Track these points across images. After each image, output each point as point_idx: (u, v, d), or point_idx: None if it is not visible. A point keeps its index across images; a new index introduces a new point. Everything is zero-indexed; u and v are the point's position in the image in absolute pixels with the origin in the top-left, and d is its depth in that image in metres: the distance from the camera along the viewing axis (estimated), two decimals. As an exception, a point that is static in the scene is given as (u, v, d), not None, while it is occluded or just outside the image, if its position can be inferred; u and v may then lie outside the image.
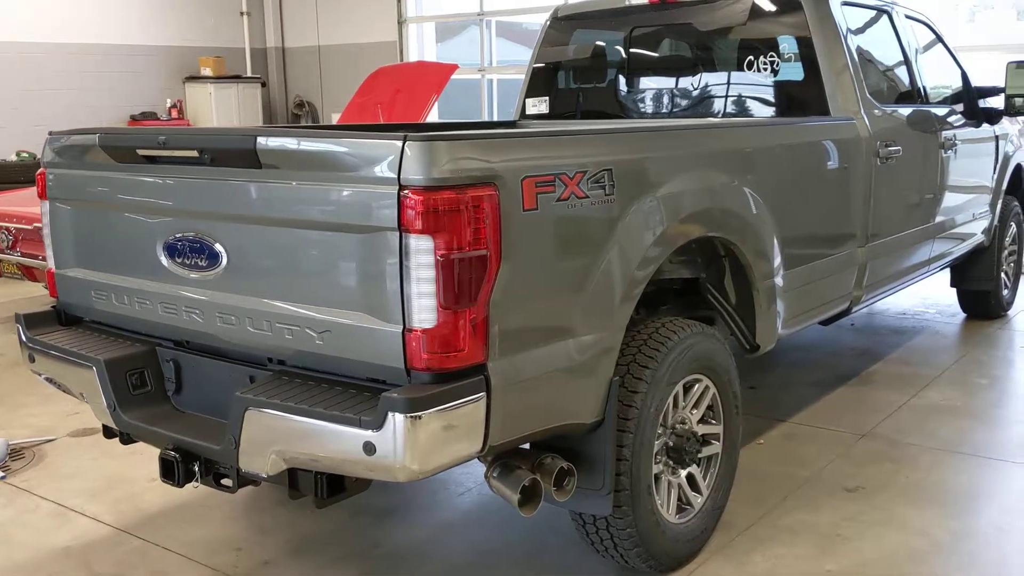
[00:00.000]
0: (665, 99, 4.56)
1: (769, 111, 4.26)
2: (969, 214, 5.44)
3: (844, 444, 4.17)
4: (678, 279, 3.48)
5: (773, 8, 4.22)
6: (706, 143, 3.12)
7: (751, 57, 4.24)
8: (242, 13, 12.79)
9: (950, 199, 5.08)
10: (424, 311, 2.21)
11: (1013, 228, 6.33)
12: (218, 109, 12.05)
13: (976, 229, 5.63)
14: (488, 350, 2.30)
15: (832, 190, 3.89)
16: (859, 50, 4.31)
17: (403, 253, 2.20)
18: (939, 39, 5.44)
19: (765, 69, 4.20)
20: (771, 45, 4.20)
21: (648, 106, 4.63)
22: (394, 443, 2.17)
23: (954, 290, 6.32)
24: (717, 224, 3.11)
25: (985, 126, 5.56)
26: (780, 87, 4.21)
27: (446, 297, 2.20)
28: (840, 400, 4.77)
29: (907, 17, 5.01)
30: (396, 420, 2.16)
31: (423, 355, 2.23)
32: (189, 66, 12.28)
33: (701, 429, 3.17)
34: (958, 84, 5.50)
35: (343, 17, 12.32)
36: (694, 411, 3.13)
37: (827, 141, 3.84)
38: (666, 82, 4.60)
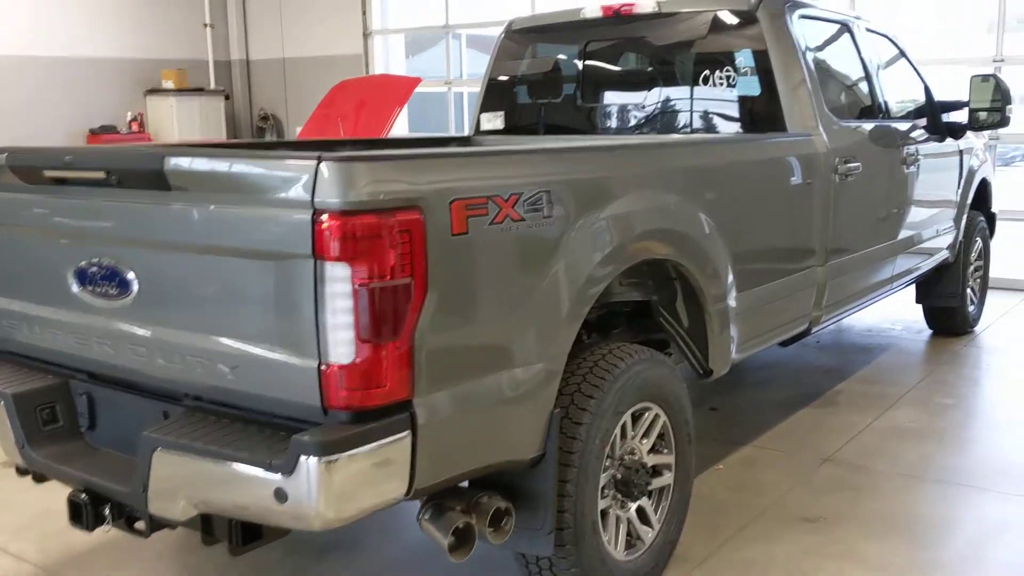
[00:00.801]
0: (621, 114, 4.44)
1: (726, 127, 4.14)
2: (933, 230, 5.35)
3: (805, 469, 4.04)
4: (629, 302, 3.35)
5: (730, 22, 4.10)
6: (653, 161, 2.99)
7: (707, 72, 4.12)
8: (205, 25, 12.57)
9: (913, 215, 4.99)
10: (341, 344, 2.06)
11: (979, 243, 6.26)
12: (180, 122, 11.82)
13: (941, 245, 5.55)
14: (414, 385, 2.14)
15: (789, 208, 3.78)
16: (818, 65, 4.21)
17: (318, 282, 2.05)
18: (902, 53, 5.36)
19: (722, 84, 4.09)
20: (728, 60, 4.08)
21: (604, 122, 4.50)
22: (307, 489, 2.01)
23: (920, 307, 6.24)
24: (665, 246, 2.97)
25: (949, 141, 5.48)
26: (736, 102, 4.09)
27: (365, 329, 2.04)
28: (803, 422, 4.65)
29: (869, 31, 4.92)
30: (308, 464, 2.00)
31: (340, 392, 2.07)
32: (151, 79, 12.05)
33: (651, 460, 3.02)
34: (921, 99, 5.42)
35: (308, 29, 12.15)
36: (644, 441, 2.99)
37: (783, 158, 3.72)
38: (622, 97, 4.48)
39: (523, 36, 4.70)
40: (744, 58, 4.04)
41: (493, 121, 4.76)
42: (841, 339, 6.28)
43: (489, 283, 2.31)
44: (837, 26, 4.61)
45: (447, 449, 2.26)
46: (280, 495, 2.04)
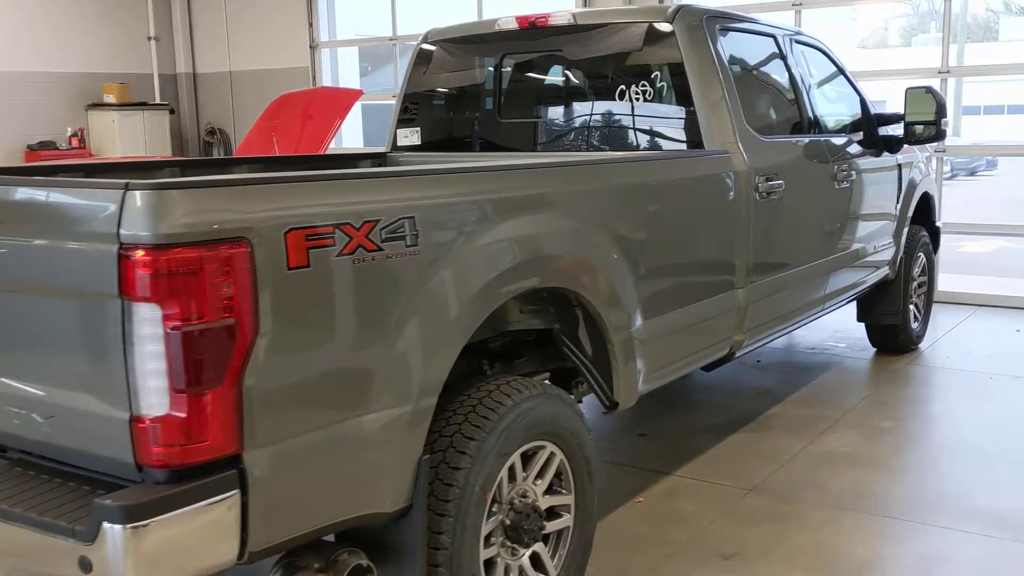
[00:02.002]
0: (538, 130, 4.25)
1: (642, 143, 3.96)
2: (871, 246, 5.20)
3: (729, 500, 3.85)
4: (533, 330, 3.16)
5: (646, 35, 3.93)
6: (545, 183, 2.79)
7: (624, 86, 3.94)
8: (150, 38, 12.29)
9: (847, 232, 4.84)
10: (153, 395, 1.84)
11: (922, 258, 6.12)
12: (122, 138, 11.51)
13: (880, 262, 5.40)
14: (243, 438, 1.92)
15: (704, 229, 3.59)
16: (740, 79, 4.04)
17: (126, 324, 1.83)
18: (836, 65, 5.21)
19: (638, 99, 3.91)
20: (644, 74, 3.91)
21: (521, 137, 4.30)
22: (112, 559, 1.78)
23: (863, 324, 6.09)
24: (556, 273, 2.77)
25: (886, 155, 5.34)
26: (653, 118, 3.92)
27: (179, 377, 1.82)
28: (733, 448, 4.46)
29: (798, 43, 4.77)
30: (112, 532, 1.77)
31: (155, 448, 1.85)
32: (93, 93, 11.74)
33: (547, 501, 2.82)
34: (857, 112, 5.28)
35: (255, 42, 11.90)
36: (538, 482, 2.78)
37: (696, 176, 3.54)
38: (540, 112, 4.28)
39: (439, 48, 4.50)
40: (661, 72, 3.87)
41: (410, 137, 4.55)
42: (782, 358, 6.12)
43: (337, 321, 2.10)
44: (763, 38, 4.45)
45: (288, 506, 2.04)
46: (84, 564, 1.81)
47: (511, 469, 2.66)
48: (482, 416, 2.54)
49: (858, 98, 5.29)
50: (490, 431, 2.53)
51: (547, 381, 3.40)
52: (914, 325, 6.09)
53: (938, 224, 6.47)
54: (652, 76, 3.87)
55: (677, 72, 3.80)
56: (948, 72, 7.44)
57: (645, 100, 3.89)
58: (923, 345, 6.28)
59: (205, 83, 12.65)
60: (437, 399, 2.37)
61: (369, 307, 2.16)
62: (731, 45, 4.12)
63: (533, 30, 4.15)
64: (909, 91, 5.12)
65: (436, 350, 2.33)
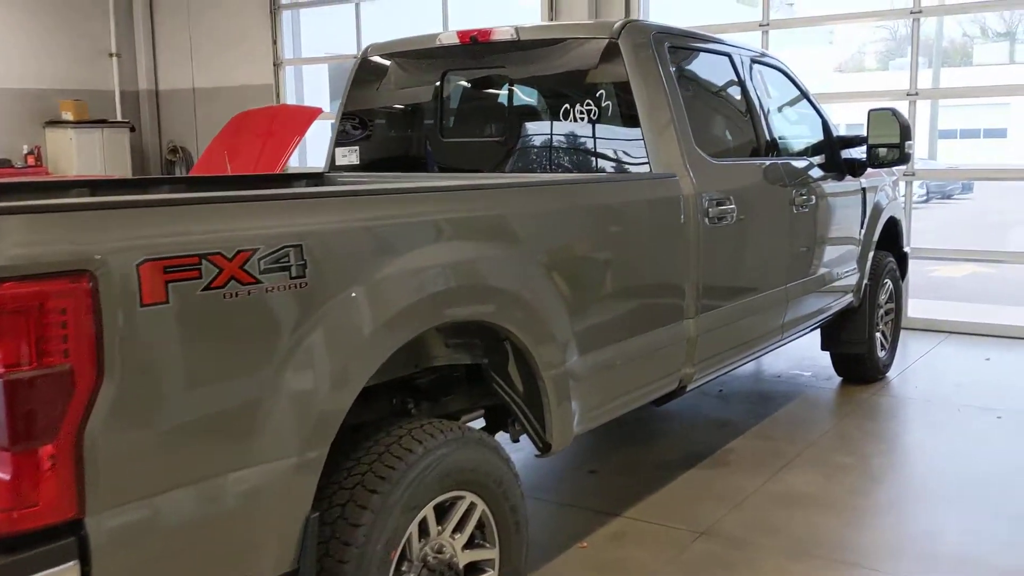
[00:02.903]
0: (479, 150, 4.03)
1: (586, 165, 3.75)
2: (833, 273, 5.01)
3: (678, 545, 3.62)
4: (460, 365, 2.93)
5: (591, 51, 3.72)
6: (461, 207, 2.56)
7: (568, 105, 3.73)
8: (111, 54, 12.03)
9: (806, 259, 4.64)
10: (-28, 453, 1.59)
11: (889, 285, 5.94)
12: (80, 156, 11.23)
13: (843, 289, 5.21)
14: (85, 501, 1.67)
15: (648, 256, 3.38)
16: (691, 98, 3.85)
17: (-60, 372, 1.58)
18: (797, 87, 5.04)
19: (583, 119, 3.70)
20: (589, 92, 3.70)
21: (460, 158, 4.08)
22: (-87, 646, 1.52)
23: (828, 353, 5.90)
24: (476, 305, 2.54)
25: (849, 179, 5.16)
26: (598, 139, 3.70)
27: (4, 433, 1.58)
28: (687, 486, 4.23)
29: (756, 62, 4.59)
30: (-87, 614, 1.52)
31: (-26, 515, 1.59)
32: (51, 110, 11.46)
33: (467, 557, 2.58)
34: (819, 135, 5.10)
35: (218, 59, 11.67)
36: (456, 536, 2.54)
37: (639, 201, 3.33)
38: (479, 132, 4.07)
39: (379, 64, 4.28)
40: (606, 91, 3.66)
41: (348, 156, 4.32)
42: (746, 386, 5.90)
43: (203, 364, 1.85)
44: (718, 57, 4.26)
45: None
46: None
47: (423, 523, 2.42)
48: (387, 466, 2.30)
49: (820, 120, 5.12)
50: (396, 482, 2.29)
51: (482, 419, 3.19)
52: (881, 354, 5.90)
53: (906, 249, 6.29)
54: (597, 95, 3.66)
55: (623, 91, 3.60)
56: (916, 94, 7.30)
57: (590, 120, 3.68)
58: (891, 374, 6.09)
59: (168, 100, 12.39)
60: (328, 449, 2.12)
61: (243, 348, 1.92)
62: (683, 64, 3.93)
63: (475, 46, 3.94)
64: (872, 113, 4.95)
65: (327, 395, 2.09)
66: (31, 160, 11.16)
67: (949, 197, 27.54)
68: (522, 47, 3.87)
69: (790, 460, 4.52)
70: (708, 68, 4.17)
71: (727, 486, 4.21)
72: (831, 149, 5.07)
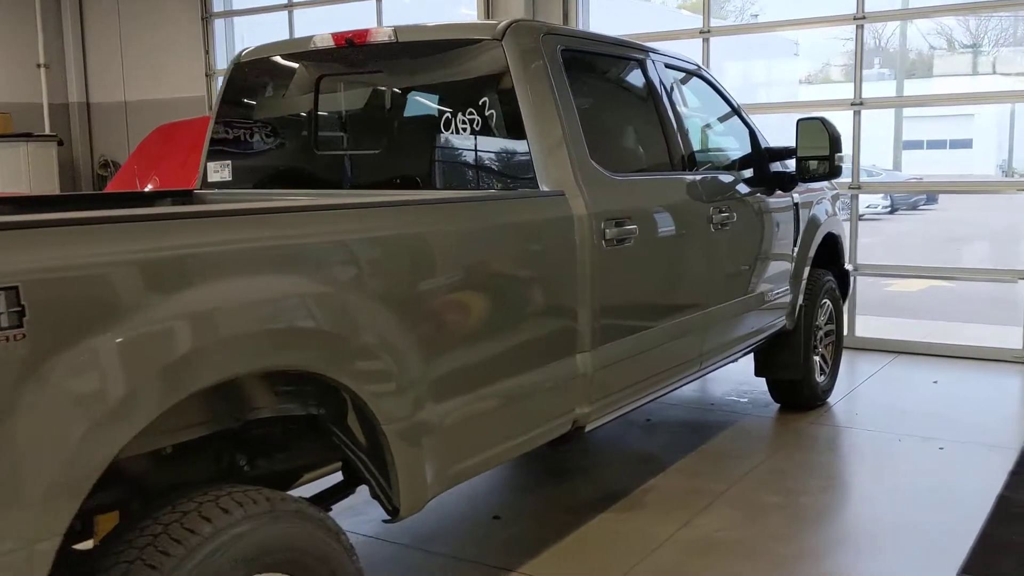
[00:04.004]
0: (351, 165, 3.64)
1: (466, 182, 3.36)
2: (761, 295, 4.66)
3: (576, 606, 3.23)
4: (296, 416, 2.52)
5: (474, 55, 3.35)
6: (269, 233, 2.15)
7: (449, 115, 3.35)
8: (39, 65, 11.54)
9: (728, 281, 4.28)
10: None
11: (828, 305, 5.60)
12: (2, 170, 10.72)
13: (774, 311, 4.86)
14: None
15: (529, 286, 2.99)
16: (589, 107, 3.48)
17: None
18: (722, 96, 4.69)
19: (465, 130, 3.31)
20: (472, 100, 3.32)
21: (332, 173, 3.69)
22: None
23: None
24: (285, 352, 2.14)
25: (779, 193, 4.81)
26: (480, 153, 3.33)
27: None
28: (597, 533, 3.84)
29: (673, 69, 4.23)
30: None
31: None
32: (-26, 123, 10.95)
33: (285, 649, 2.16)
34: (746, 147, 4.75)
35: (150, 70, 11.22)
36: (269, 626, 2.13)
37: (518, 223, 2.94)
38: (354, 144, 3.68)
39: (252, 71, 3.88)
40: (489, 98, 3.28)
41: (220, 172, 3.91)
42: (675, 415, 5.53)
43: None
44: (625, 62, 3.89)
45: None
46: None
47: (216, 615, 2.00)
48: (161, 552, 1.89)
49: (748, 132, 4.77)
50: (172, 570, 1.88)
51: (340, 474, 2.79)
52: (820, 378, 5.55)
53: (848, 267, 5.96)
54: (481, 103, 3.28)
55: (508, 98, 3.22)
56: (861, 104, 6.99)
57: (473, 131, 3.30)
58: (833, 399, 5.75)
59: (99, 113, 11.91)
60: (61, 539, 1.71)
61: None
62: (581, 69, 3.56)
63: (351, 48, 3.55)
64: (801, 123, 4.61)
65: (56, 473, 1.68)
66: (-50, 175, 10.63)
67: (915, 208, 27.46)
68: (401, 50, 3.49)
69: (713, 500, 4.15)
70: (613, 74, 3.81)
71: (640, 533, 3.82)
72: (760, 162, 4.72)
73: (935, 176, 28.43)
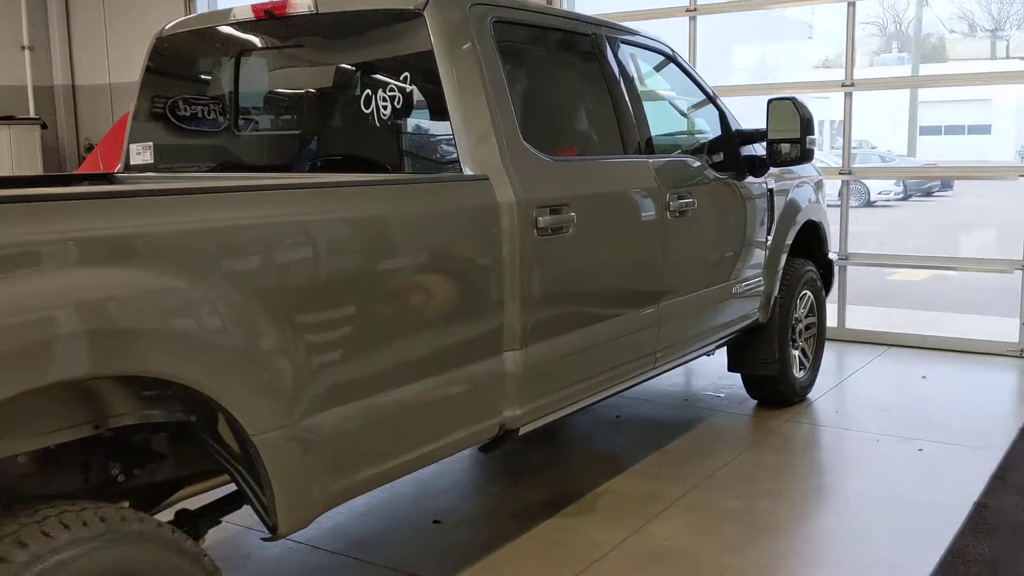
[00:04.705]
0: (269, 146, 3.39)
1: (387, 164, 3.11)
2: (727, 287, 4.39)
3: (502, 623, 2.99)
4: (170, 423, 2.29)
5: (395, 26, 3.09)
6: (101, 222, 1.90)
7: (369, 92, 3.09)
8: (23, 47, 11.34)
9: (686, 272, 4.02)
10: None
11: (809, 296, 5.32)
12: (-18, 154, 10.56)
13: (743, 304, 4.59)
14: None
15: (442, 279, 2.74)
16: (526, 85, 3.22)
17: None
18: (688, 74, 4.41)
19: (385, 108, 3.06)
20: (394, 75, 3.06)
21: (252, 154, 3.45)
22: None
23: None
24: (123, 356, 1.89)
25: (751, 179, 4.53)
26: (403, 134, 3.07)
27: None
28: (540, 540, 3.60)
29: (630, 45, 3.95)
30: None
31: None
32: (-44, 106, 10.79)
33: None
34: (714, 129, 4.47)
35: (136, 52, 10.94)
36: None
37: (428, 211, 2.69)
38: (274, 124, 3.43)
39: (174, 45, 3.64)
40: (411, 73, 3.02)
41: (143, 154, 3.68)
42: (646, 411, 5.28)
43: None
44: (572, 36, 3.62)
45: None
46: None
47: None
48: (-41, 584, 1.66)
49: (717, 114, 4.49)
50: (-28, 606, 1.65)
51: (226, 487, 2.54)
52: (799, 374, 5.28)
53: (831, 256, 5.67)
54: (402, 78, 3.03)
55: (430, 74, 2.96)
56: (852, 85, 6.68)
57: (395, 110, 3.04)
58: (814, 394, 5.47)
59: (84, 95, 11.71)
60: None
61: None
62: (518, 43, 3.30)
63: (271, 20, 3.30)
64: (771, 103, 4.32)
65: None
66: (-70, 159, 10.47)
67: (929, 194, 26.93)
68: (322, 22, 3.23)
69: (668, 505, 3.90)
70: (556, 50, 3.55)
71: (586, 540, 3.58)
72: (729, 146, 4.44)
73: (947, 162, 27.80)
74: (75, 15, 11.58)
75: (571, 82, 3.66)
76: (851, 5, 6.61)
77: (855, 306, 7.51)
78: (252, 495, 2.28)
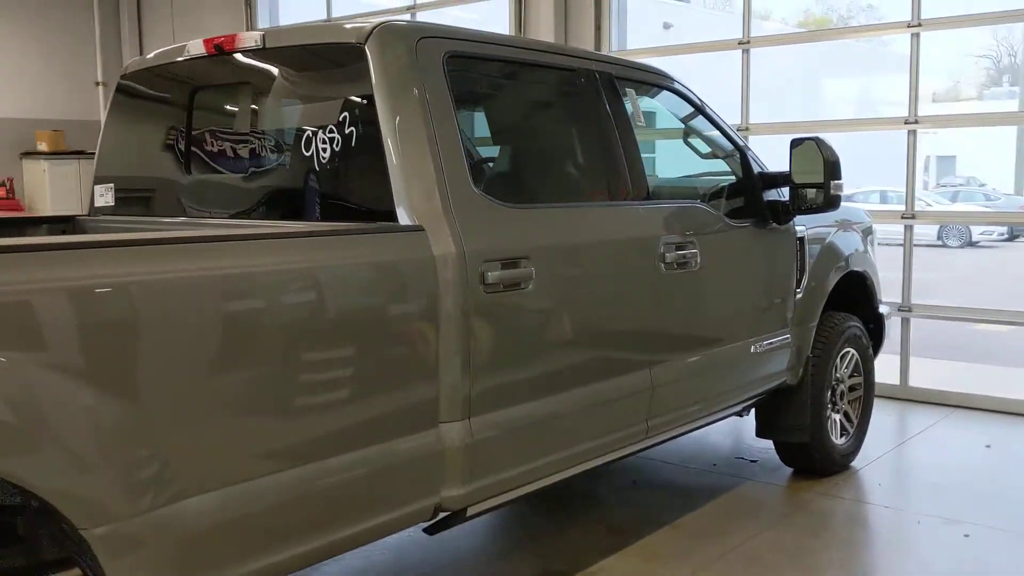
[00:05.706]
0: (218, 191, 3.16)
1: (323, 210, 2.83)
2: (744, 346, 3.96)
3: None
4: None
5: (338, 62, 2.83)
6: None
7: (310, 133, 2.83)
8: (97, 83, 11.63)
9: (686, 332, 3.62)
10: None
11: (852, 354, 4.81)
12: (53, 188, 10.79)
13: (764, 366, 4.14)
14: None
15: (361, 341, 2.43)
16: (490, 125, 2.91)
17: None
18: (701, 111, 4.02)
19: (324, 150, 2.79)
20: (333, 115, 2.79)
21: (204, 200, 3.22)
22: None
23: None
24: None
25: (774, 226, 4.11)
26: (340, 179, 2.80)
27: None
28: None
29: (622, 79, 3.58)
30: None
31: None
32: (30, 140, 11.09)
33: None
34: (735, 172, 4.07)
35: (201, 88, 11.13)
36: None
37: (338, 266, 2.39)
38: (222, 166, 3.20)
39: (137, 84, 3.47)
40: (350, 113, 2.75)
41: (105, 195, 3.51)
42: (667, 476, 4.84)
43: None
44: (542, 71, 3.27)
45: None
46: None
47: None
48: None
49: (738, 156, 4.09)
50: None
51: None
52: (840, 440, 4.76)
53: (882, 310, 5.15)
54: (341, 119, 2.75)
55: (369, 114, 2.68)
56: (916, 122, 6.15)
57: (334, 153, 2.77)
58: (859, 462, 4.94)
59: (153, 131, 11.92)
60: None
61: None
62: (478, 80, 3.00)
63: (221, 56, 3.08)
64: (794, 144, 3.90)
65: None
66: (2, 192, 10.76)
67: (1014, 239, 25.21)
68: (270, 57, 2.99)
69: (662, 593, 3.48)
70: (527, 85, 3.23)
71: (557, 632, 3.19)
72: (750, 190, 4.03)
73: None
74: (148, 50, 11.83)
75: (544, 122, 3.33)
76: (915, 36, 6.10)
77: (924, 359, 6.90)
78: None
